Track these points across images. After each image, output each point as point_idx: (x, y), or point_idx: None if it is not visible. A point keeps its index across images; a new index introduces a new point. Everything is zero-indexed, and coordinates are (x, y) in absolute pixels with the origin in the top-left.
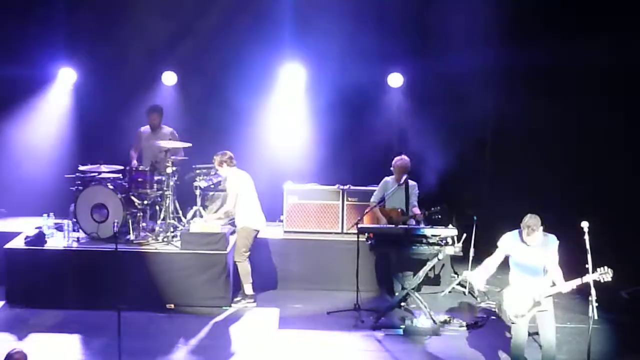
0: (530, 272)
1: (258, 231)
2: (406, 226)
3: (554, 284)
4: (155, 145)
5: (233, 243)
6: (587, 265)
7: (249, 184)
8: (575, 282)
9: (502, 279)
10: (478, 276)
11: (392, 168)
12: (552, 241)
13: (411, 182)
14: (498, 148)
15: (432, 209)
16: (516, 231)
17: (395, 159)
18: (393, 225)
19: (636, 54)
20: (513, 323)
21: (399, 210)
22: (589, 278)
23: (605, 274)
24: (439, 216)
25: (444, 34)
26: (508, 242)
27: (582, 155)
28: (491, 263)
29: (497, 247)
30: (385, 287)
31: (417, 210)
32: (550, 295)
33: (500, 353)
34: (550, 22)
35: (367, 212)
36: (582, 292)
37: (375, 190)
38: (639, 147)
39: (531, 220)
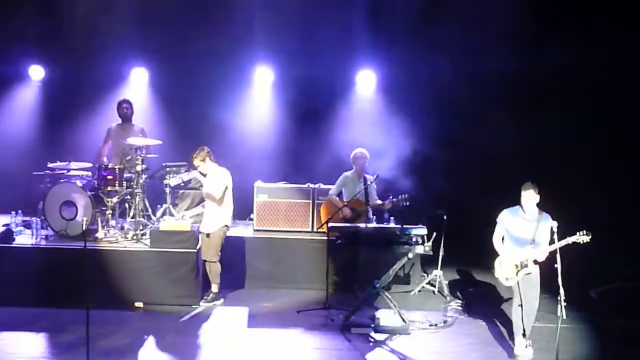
0: (521, 243)
1: (228, 228)
2: (377, 225)
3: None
4: (125, 142)
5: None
6: (556, 265)
7: (229, 180)
8: (557, 245)
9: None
10: (505, 265)
11: (351, 161)
12: (546, 218)
13: (369, 177)
14: (468, 147)
15: (400, 196)
16: (514, 207)
17: (355, 151)
18: (362, 225)
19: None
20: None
21: (361, 200)
22: (569, 240)
23: (584, 236)
24: (407, 203)
25: (411, 32)
26: (506, 217)
27: (552, 151)
28: (499, 240)
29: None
30: (355, 286)
31: (379, 201)
32: (534, 259)
33: (469, 352)
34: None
35: (325, 203)
36: (552, 291)
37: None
38: (615, 149)
39: (528, 184)
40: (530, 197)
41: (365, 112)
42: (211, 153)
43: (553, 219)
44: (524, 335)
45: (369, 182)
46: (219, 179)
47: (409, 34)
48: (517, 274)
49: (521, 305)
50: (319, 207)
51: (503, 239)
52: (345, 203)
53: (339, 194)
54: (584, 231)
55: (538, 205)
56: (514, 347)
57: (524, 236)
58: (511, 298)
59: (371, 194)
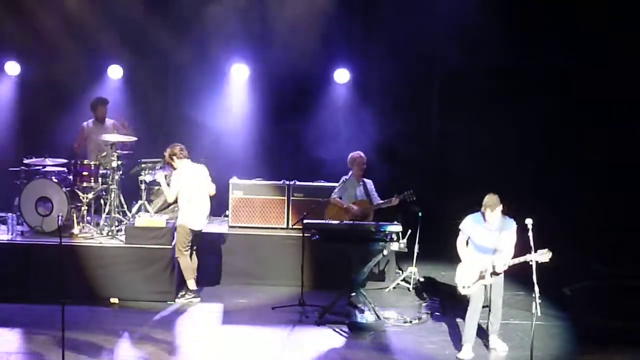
0: (484, 251)
1: (194, 231)
2: (352, 222)
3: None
4: (101, 139)
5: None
6: (530, 263)
7: (194, 182)
8: (513, 261)
9: (447, 275)
10: (464, 272)
11: (349, 165)
12: (509, 224)
13: (367, 180)
14: (442, 145)
15: (406, 192)
16: (477, 213)
17: (353, 155)
18: (338, 221)
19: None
20: (462, 293)
21: (365, 201)
22: (530, 257)
23: (544, 255)
24: (413, 198)
25: (389, 31)
26: (469, 224)
27: (527, 152)
28: (463, 245)
29: (459, 231)
30: (330, 282)
31: (382, 200)
32: (494, 272)
33: (443, 348)
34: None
35: (329, 206)
36: (526, 289)
37: (324, 185)
38: (584, 146)
39: (490, 199)
40: (496, 213)
41: (341, 109)
42: (182, 149)
43: (527, 218)
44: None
45: (369, 187)
46: (171, 183)
47: (383, 32)
48: (473, 284)
49: (488, 309)
50: (294, 203)
51: (467, 243)
52: (347, 204)
53: (341, 198)
54: (545, 250)
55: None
56: (461, 349)
57: (486, 245)
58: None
59: (372, 195)
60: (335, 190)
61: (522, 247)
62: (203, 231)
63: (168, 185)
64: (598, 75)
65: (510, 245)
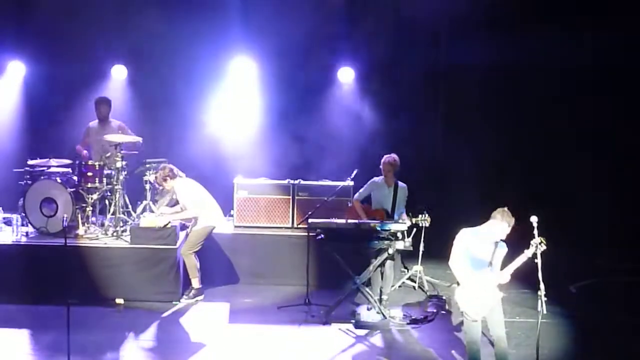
0: (481, 266)
1: (214, 227)
2: (357, 221)
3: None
4: (105, 139)
5: (183, 237)
6: (535, 261)
7: (198, 187)
8: (515, 264)
9: (451, 274)
10: (473, 297)
11: (381, 167)
12: (502, 244)
13: (401, 184)
14: (447, 144)
15: (420, 216)
16: (475, 227)
17: (384, 158)
18: (342, 221)
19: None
20: (474, 320)
21: (383, 211)
22: (526, 254)
23: (540, 244)
24: (426, 224)
25: (394, 28)
26: (468, 237)
27: (534, 150)
28: (461, 263)
29: (452, 244)
30: (335, 282)
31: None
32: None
33: (449, 348)
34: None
35: (350, 208)
36: (532, 286)
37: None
38: (592, 144)
39: (508, 216)
40: (507, 229)
41: (345, 108)
42: (172, 170)
43: (532, 215)
44: None
45: (400, 193)
46: (183, 200)
47: (385, 30)
48: (487, 307)
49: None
50: (299, 203)
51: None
52: (368, 211)
53: (366, 200)
54: (537, 238)
55: None
56: None
57: (482, 257)
58: None
59: (399, 205)
60: (361, 190)
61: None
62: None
63: (182, 209)
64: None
65: (500, 261)
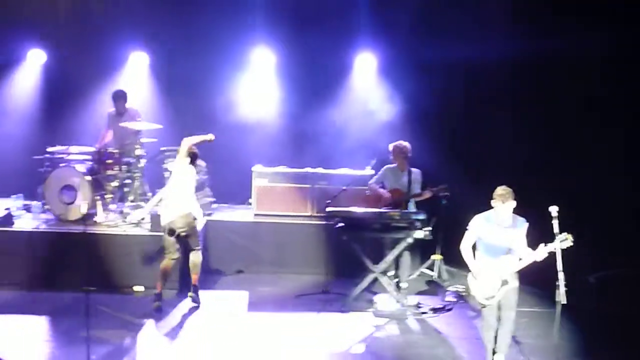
0: (496, 253)
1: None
2: (376, 210)
3: (521, 259)
4: (123, 127)
5: (202, 227)
6: (554, 249)
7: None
8: (540, 253)
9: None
10: (481, 282)
11: (392, 154)
12: (521, 223)
13: (414, 170)
14: (468, 131)
15: (439, 186)
16: (487, 212)
17: (394, 144)
18: (362, 209)
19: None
20: (483, 306)
21: (401, 190)
22: (552, 247)
23: (565, 241)
24: (447, 193)
25: (413, 15)
26: (480, 222)
27: (554, 139)
28: (469, 249)
29: (467, 229)
30: (354, 270)
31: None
32: (518, 269)
33: (467, 337)
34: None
35: (367, 195)
36: (550, 278)
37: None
38: (611, 134)
39: (503, 190)
40: (507, 207)
41: (365, 94)
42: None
43: (549, 207)
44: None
45: (413, 177)
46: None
47: (409, 16)
48: (498, 291)
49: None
50: (318, 191)
51: (474, 248)
52: (380, 190)
53: (381, 187)
54: (563, 234)
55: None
56: None
57: (500, 245)
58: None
59: (414, 187)
60: (374, 177)
61: (544, 238)
62: (226, 220)
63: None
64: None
65: (523, 246)
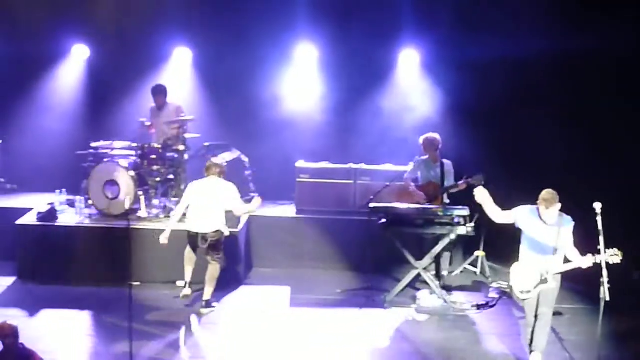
0: (541, 250)
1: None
2: (420, 206)
3: (567, 262)
4: (165, 122)
5: (245, 222)
6: (598, 247)
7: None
8: (587, 261)
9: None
10: (521, 274)
11: (423, 147)
12: (567, 222)
13: (446, 162)
14: (511, 126)
15: (475, 175)
16: (534, 206)
17: (426, 137)
18: (404, 205)
19: None
20: (523, 301)
21: (435, 184)
22: (599, 258)
23: (614, 256)
24: (482, 182)
25: (455, 11)
26: (523, 214)
27: (598, 135)
28: (499, 213)
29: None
30: (395, 266)
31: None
32: (561, 272)
33: (511, 334)
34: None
35: (401, 191)
36: (592, 275)
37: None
38: None
39: (548, 194)
40: (552, 211)
41: (408, 90)
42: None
43: (595, 203)
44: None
45: (446, 169)
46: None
47: (452, 13)
48: (535, 288)
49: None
50: (361, 187)
51: (520, 243)
52: (419, 188)
53: (415, 179)
54: (614, 249)
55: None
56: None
57: (545, 242)
58: None
59: (448, 179)
60: (408, 171)
61: (588, 235)
62: (269, 215)
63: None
64: None
65: (570, 246)
